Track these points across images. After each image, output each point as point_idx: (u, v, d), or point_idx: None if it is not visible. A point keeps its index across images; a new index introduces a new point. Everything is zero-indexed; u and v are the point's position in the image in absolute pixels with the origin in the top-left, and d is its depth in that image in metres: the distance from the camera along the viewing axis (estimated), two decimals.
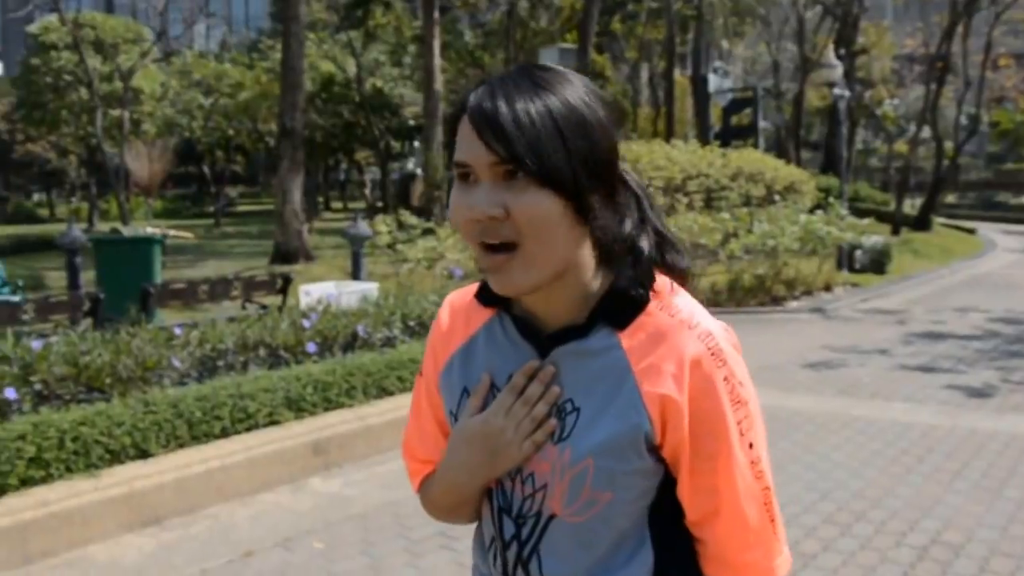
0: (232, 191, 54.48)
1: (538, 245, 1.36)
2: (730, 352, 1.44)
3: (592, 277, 1.46)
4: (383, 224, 15.80)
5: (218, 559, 5.47)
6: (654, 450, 1.44)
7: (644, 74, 47.36)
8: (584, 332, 1.47)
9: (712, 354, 1.41)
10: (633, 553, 1.48)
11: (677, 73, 43.18)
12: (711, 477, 1.43)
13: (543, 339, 1.50)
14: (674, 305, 1.46)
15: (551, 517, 1.47)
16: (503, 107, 1.34)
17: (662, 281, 1.49)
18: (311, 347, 7.85)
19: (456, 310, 1.66)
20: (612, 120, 1.43)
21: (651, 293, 1.46)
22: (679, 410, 1.40)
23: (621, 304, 1.45)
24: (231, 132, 43.95)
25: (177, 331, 7.49)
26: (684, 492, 1.46)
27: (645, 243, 1.48)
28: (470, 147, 1.36)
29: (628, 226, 1.47)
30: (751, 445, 1.45)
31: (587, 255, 1.44)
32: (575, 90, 1.39)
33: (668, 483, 1.48)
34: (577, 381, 1.46)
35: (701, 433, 1.41)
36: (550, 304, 1.47)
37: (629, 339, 1.44)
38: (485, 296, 1.59)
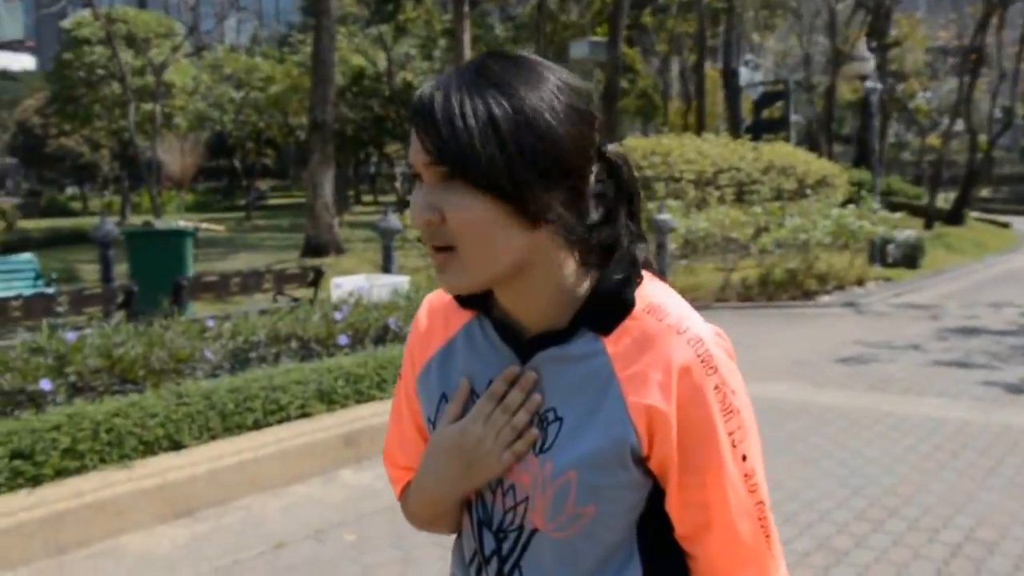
0: (263, 184, 54.70)
1: (473, 249, 1.28)
2: (722, 359, 1.35)
3: (572, 278, 1.36)
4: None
5: (250, 550, 5.49)
6: (641, 462, 1.35)
7: (675, 67, 47.27)
8: (567, 337, 1.38)
9: (702, 361, 1.32)
10: (620, 569, 1.40)
11: (708, 66, 43.06)
12: (701, 491, 1.35)
13: (524, 343, 1.41)
14: (662, 309, 1.36)
15: (533, 532, 1.40)
16: (439, 105, 1.25)
17: (651, 283, 1.41)
18: (343, 340, 7.88)
19: (435, 311, 1.57)
20: (584, 114, 1.31)
21: (638, 295, 1.37)
22: (667, 421, 1.32)
23: (605, 308, 1.36)
24: (262, 125, 44.11)
25: (210, 323, 7.54)
26: (672, 506, 1.38)
27: (631, 241, 1.39)
28: (413, 146, 1.30)
29: (609, 224, 1.37)
30: (744, 457, 1.36)
31: (555, 255, 1.34)
32: (537, 82, 1.28)
33: (657, 494, 1.39)
34: (560, 389, 1.38)
35: (690, 445, 1.33)
36: (526, 306, 1.38)
37: (614, 345, 1.35)
38: (464, 297, 1.48)
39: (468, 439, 1.40)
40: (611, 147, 1.39)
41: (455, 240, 1.28)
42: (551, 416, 1.37)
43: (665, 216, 15.25)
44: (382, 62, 39.18)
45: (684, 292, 15.20)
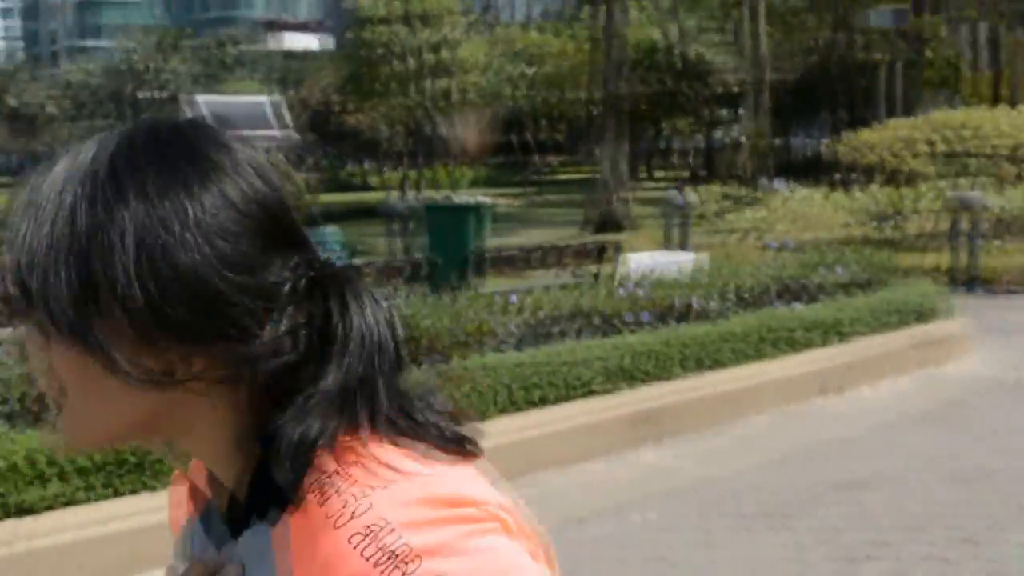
0: (552, 159, 55.50)
1: (75, 402, 0.92)
2: (432, 550, 0.81)
3: (245, 441, 0.92)
4: (708, 193, 15.65)
5: (549, 523, 5.45)
6: None
7: (982, 34, 44.60)
8: (247, 522, 0.95)
9: (377, 567, 0.81)
10: None
11: (1019, 32, 40.43)
12: None
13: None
14: (331, 486, 0.87)
15: None
16: (18, 212, 0.89)
17: (360, 443, 0.89)
18: (643, 316, 7.82)
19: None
20: (269, 227, 0.90)
21: (321, 466, 0.88)
22: None
23: (260, 489, 0.91)
24: (552, 101, 44.70)
25: (512, 298, 7.65)
26: None
27: (344, 388, 0.90)
28: None
29: (293, 369, 0.90)
30: None
31: (216, 408, 0.92)
32: (188, 183, 0.87)
33: None
34: None
35: None
36: (212, 472, 1.00)
37: (280, 542, 0.90)
38: None
39: None
40: (328, 266, 0.95)
41: (62, 389, 0.93)
42: None
43: (976, 193, 14.42)
44: (673, 35, 38.89)
45: (996, 275, 14.34)
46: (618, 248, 11.81)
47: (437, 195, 19.55)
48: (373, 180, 50.16)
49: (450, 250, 12.71)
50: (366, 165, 57.60)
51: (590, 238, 18.99)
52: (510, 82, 42.98)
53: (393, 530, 0.82)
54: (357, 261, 12.68)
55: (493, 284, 11.47)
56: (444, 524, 0.83)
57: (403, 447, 0.90)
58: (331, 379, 0.89)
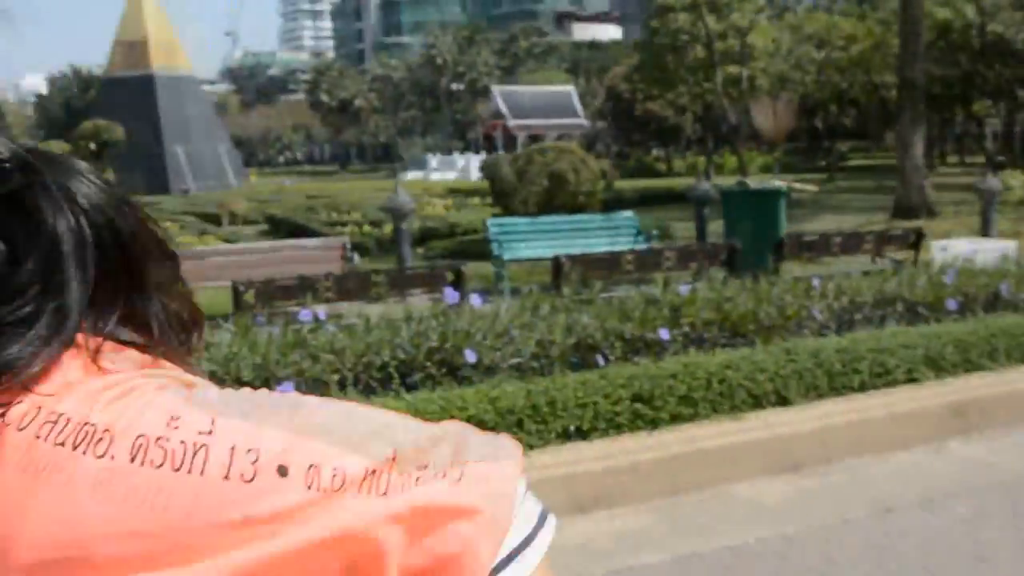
0: (842, 145, 54.11)
1: None
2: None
3: None
4: (1014, 179, 14.97)
5: (857, 511, 5.47)
6: None
7: None
8: None
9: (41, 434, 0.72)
10: None
11: None
12: None
13: None
14: (16, 401, 0.73)
15: None
16: None
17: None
18: (951, 304, 7.62)
19: None
20: None
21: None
22: None
23: None
24: (844, 86, 43.57)
25: (815, 283, 7.61)
26: None
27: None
28: None
29: None
30: None
31: None
32: None
33: None
34: None
35: None
36: None
37: None
38: None
39: None
40: (29, 150, 0.78)
41: None
42: None
43: None
44: (970, 14, 37.11)
45: None
46: (920, 235, 11.48)
47: (729, 181, 19.50)
48: (662, 167, 50.38)
49: (749, 235, 12.66)
50: (656, 152, 57.89)
51: (889, 224, 18.46)
52: (799, 68, 42.18)
53: (81, 412, 0.73)
54: (657, 245, 12.87)
55: (792, 269, 11.38)
56: (124, 394, 0.75)
57: (116, 353, 0.79)
58: (29, 287, 0.75)
